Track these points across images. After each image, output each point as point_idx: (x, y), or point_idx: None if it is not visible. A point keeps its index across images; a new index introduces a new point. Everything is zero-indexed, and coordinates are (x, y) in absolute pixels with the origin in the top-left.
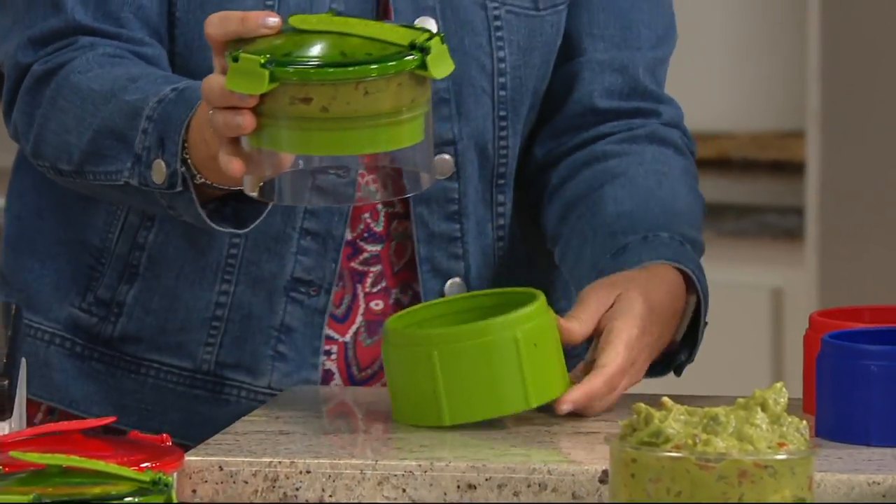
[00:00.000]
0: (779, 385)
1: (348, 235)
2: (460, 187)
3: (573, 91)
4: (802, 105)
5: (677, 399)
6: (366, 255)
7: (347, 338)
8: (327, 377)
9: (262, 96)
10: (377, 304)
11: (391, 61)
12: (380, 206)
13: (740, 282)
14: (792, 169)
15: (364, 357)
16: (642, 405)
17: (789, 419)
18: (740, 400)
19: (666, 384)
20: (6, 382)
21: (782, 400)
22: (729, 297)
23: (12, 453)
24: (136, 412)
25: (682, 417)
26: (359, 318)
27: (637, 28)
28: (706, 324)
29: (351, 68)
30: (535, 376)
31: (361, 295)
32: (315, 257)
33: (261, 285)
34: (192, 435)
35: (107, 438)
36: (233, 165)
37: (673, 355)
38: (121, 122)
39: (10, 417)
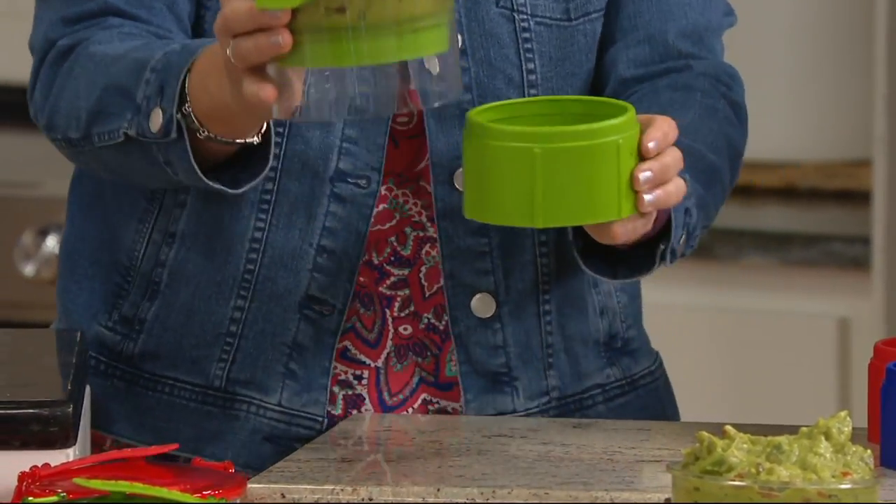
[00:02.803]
0: (843, 414)
1: (375, 259)
2: None
3: (608, 79)
4: (869, 133)
5: (740, 428)
6: (393, 279)
7: (379, 363)
8: (357, 402)
9: (294, 12)
10: (405, 329)
11: None
12: (408, 230)
13: (806, 311)
14: (858, 198)
15: (395, 382)
16: (705, 434)
17: (853, 448)
18: (804, 429)
19: (729, 413)
20: (70, 409)
21: (846, 429)
22: (794, 326)
23: (76, 480)
24: (151, 429)
25: (745, 446)
26: (389, 343)
27: (675, 7)
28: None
29: None
30: (629, 185)
31: (390, 319)
32: (330, 276)
33: (275, 301)
34: (204, 451)
35: (170, 466)
36: (265, 92)
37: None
38: (127, 78)
39: (74, 445)
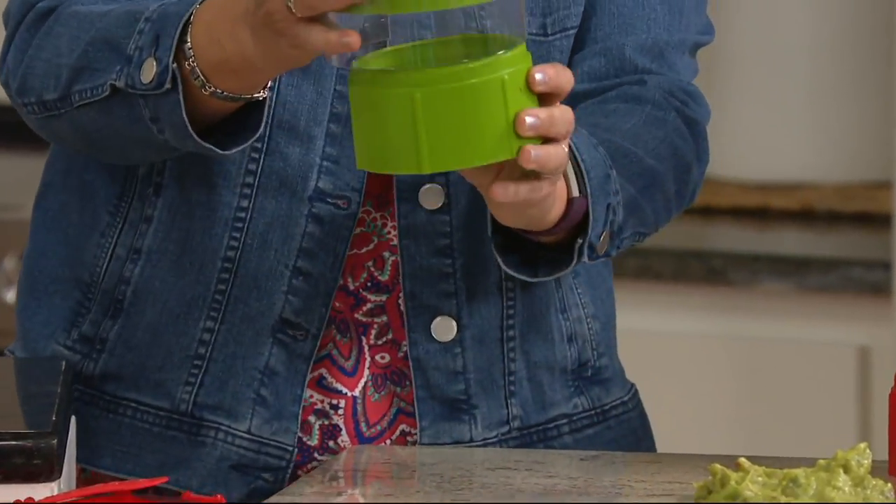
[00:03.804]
0: (862, 446)
1: (351, 285)
2: (452, 220)
3: None
4: (890, 154)
5: (755, 460)
6: (369, 305)
7: (356, 392)
8: (334, 432)
9: None
10: (383, 357)
11: None
12: (386, 254)
13: (824, 339)
14: (879, 221)
15: (373, 412)
16: (718, 466)
17: (873, 482)
18: (822, 461)
19: (744, 444)
20: (54, 441)
21: (866, 461)
22: (813, 354)
23: None
24: (110, 453)
25: (760, 479)
26: (366, 372)
27: (638, 21)
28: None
29: None
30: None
31: (367, 347)
32: (305, 300)
33: (248, 324)
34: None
35: (159, 500)
36: (351, 38)
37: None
38: (116, 31)
39: (59, 478)
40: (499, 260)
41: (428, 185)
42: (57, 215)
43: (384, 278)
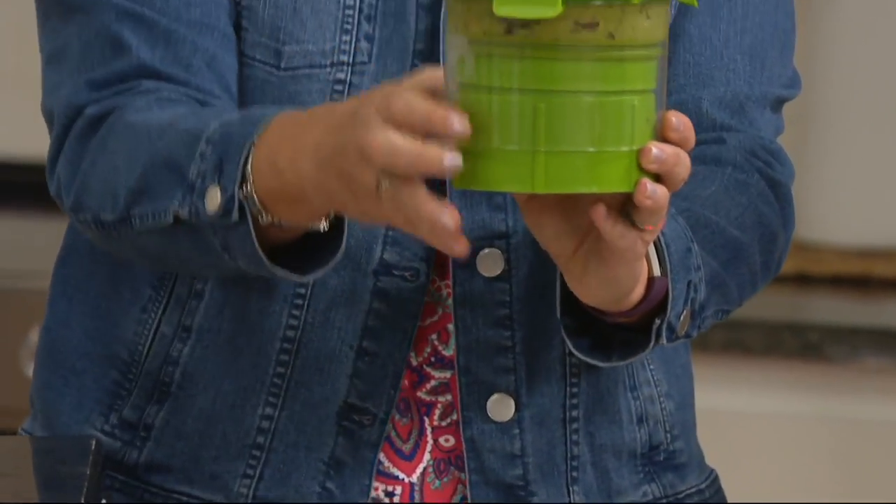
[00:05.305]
0: None
1: (414, 361)
2: (512, 289)
3: None
4: None
5: None
6: (433, 382)
7: (414, 478)
8: None
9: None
10: (447, 440)
11: None
12: (450, 327)
13: None
14: None
15: (432, 500)
16: None
17: None
18: None
19: None
20: None
21: None
22: None
23: None
24: None
25: None
26: (426, 457)
27: (716, 72)
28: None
29: None
30: (638, 158)
31: (429, 429)
32: (371, 382)
33: (310, 410)
34: None
35: None
36: (450, 217)
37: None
38: (176, 152)
39: None
40: (569, 345)
41: (487, 251)
42: (81, 283)
43: (448, 353)
